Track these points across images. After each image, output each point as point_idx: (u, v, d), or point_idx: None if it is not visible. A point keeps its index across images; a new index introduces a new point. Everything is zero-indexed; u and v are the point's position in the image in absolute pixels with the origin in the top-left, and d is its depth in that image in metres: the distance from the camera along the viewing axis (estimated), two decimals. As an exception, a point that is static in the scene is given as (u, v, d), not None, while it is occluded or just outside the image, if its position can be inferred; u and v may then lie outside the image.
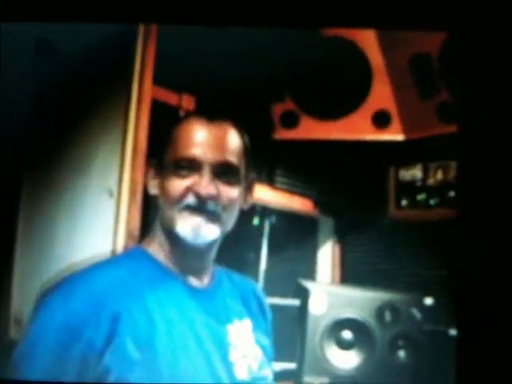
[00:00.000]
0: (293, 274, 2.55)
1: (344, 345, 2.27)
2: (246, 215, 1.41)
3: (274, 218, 2.59)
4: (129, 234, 1.82)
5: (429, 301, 2.29)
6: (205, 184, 1.29)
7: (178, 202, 1.29)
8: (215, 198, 1.29)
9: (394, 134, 2.42)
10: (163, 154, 1.34)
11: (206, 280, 1.40)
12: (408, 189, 2.55)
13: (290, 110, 2.47)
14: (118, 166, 1.86)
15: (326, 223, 2.82)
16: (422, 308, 2.28)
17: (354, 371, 2.24)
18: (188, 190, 1.29)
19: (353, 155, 2.52)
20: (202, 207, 1.29)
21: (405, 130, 2.42)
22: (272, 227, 2.58)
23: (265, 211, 2.55)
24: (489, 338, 1.45)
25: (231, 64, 2.21)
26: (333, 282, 2.77)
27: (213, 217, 1.30)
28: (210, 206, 1.29)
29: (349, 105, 2.42)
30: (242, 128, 1.38)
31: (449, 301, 2.15)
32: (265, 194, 2.45)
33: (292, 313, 2.31)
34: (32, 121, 2.02)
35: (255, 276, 2.47)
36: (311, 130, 2.45)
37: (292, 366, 2.26)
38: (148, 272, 1.33)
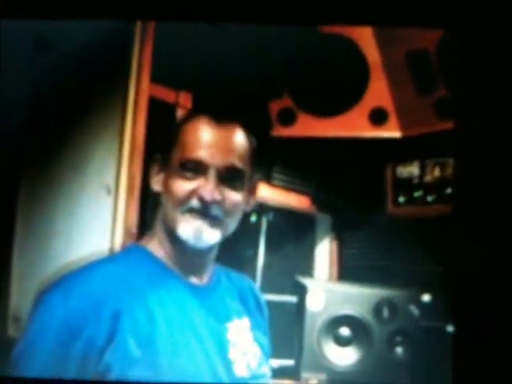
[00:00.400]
0: (290, 270, 2.55)
1: (342, 341, 2.27)
2: (243, 213, 1.39)
3: (271, 215, 2.58)
4: (127, 231, 1.82)
5: (426, 297, 2.30)
6: (210, 188, 1.28)
7: (181, 204, 1.29)
8: (219, 203, 1.29)
9: (391, 131, 2.42)
10: (169, 151, 1.34)
11: (205, 278, 1.40)
12: (405, 186, 2.54)
13: (288, 107, 2.46)
14: (116, 163, 1.86)
15: (324, 220, 2.82)
16: (420, 304, 2.29)
17: (352, 367, 2.25)
18: (192, 193, 1.29)
19: (350, 152, 2.51)
20: (206, 211, 1.28)
21: (402, 127, 2.41)
22: (269, 224, 2.58)
23: (262, 208, 2.55)
24: (486, 334, 1.44)
25: (228, 61, 2.20)
26: (330, 278, 2.77)
27: (215, 221, 1.30)
28: (214, 210, 1.29)
29: (346, 102, 2.41)
30: (249, 130, 1.37)
31: (446, 297, 2.15)
32: (262, 191, 2.42)
33: (290, 309, 2.33)
34: (30, 118, 2.02)
35: (253, 273, 2.47)
36: (308, 127, 2.45)
37: (290, 362, 2.27)
38: (148, 270, 1.33)
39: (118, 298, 1.23)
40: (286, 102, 2.47)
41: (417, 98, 2.35)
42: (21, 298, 1.91)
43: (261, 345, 1.45)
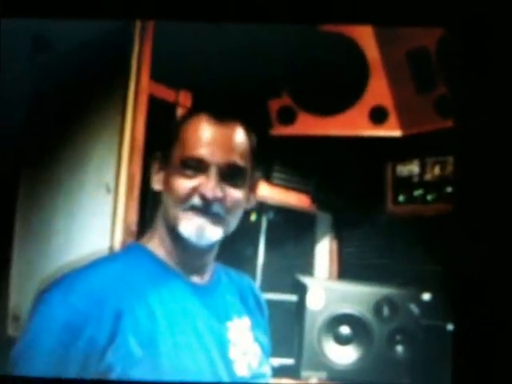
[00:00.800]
0: (290, 269, 2.55)
1: (342, 340, 2.26)
2: (243, 211, 1.39)
3: (271, 214, 2.58)
4: (126, 230, 1.82)
5: (426, 296, 2.30)
6: (211, 186, 1.28)
7: (182, 202, 1.29)
8: (221, 201, 1.29)
9: (391, 130, 2.41)
10: (170, 150, 1.33)
11: (206, 277, 1.40)
12: (405, 184, 2.53)
13: (287, 105, 2.46)
14: (115, 162, 1.86)
15: (324, 219, 2.81)
16: (420, 303, 2.29)
17: (352, 366, 2.25)
18: (194, 190, 1.28)
19: (350, 151, 2.51)
20: (207, 209, 1.28)
21: (402, 126, 2.41)
22: (269, 223, 2.57)
23: (262, 207, 2.54)
24: (486, 333, 1.44)
25: (228, 60, 2.20)
26: (330, 277, 2.76)
27: (217, 219, 1.30)
28: (215, 208, 1.29)
29: (346, 100, 2.41)
30: (249, 127, 1.37)
31: (446, 296, 2.14)
32: (262, 190, 2.41)
33: (290, 308, 2.31)
34: (29, 118, 2.01)
35: (253, 272, 2.47)
36: (308, 125, 2.44)
37: (290, 361, 2.26)
38: (148, 269, 1.32)
39: (118, 298, 1.22)
40: (286, 100, 2.46)
41: (417, 96, 2.35)
42: (20, 297, 1.91)
43: (261, 344, 1.45)
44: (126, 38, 1.89)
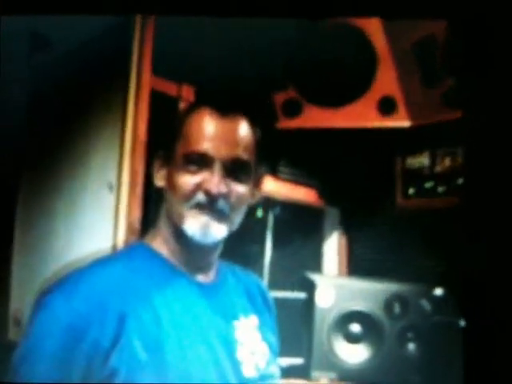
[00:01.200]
0: (298, 266, 2.53)
1: (352, 338, 2.24)
2: (249, 207, 1.36)
3: (278, 210, 2.55)
4: (129, 228, 1.81)
5: (438, 291, 2.26)
6: (215, 182, 1.25)
7: (187, 199, 1.26)
8: (225, 196, 1.26)
9: (399, 121, 2.38)
10: (172, 146, 1.31)
11: (211, 275, 1.37)
12: (415, 177, 2.50)
13: (293, 98, 2.43)
14: (118, 159, 1.85)
15: (332, 214, 2.79)
16: (432, 299, 2.25)
17: (363, 365, 2.22)
18: (198, 186, 1.26)
19: (358, 143, 2.48)
20: (212, 205, 1.25)
21: (411, 117, 2.37)
22: (276, 219, 2.54)
23: (268, 203, 2.51)
24: (498, 330, 1.41)
25: (232, 53, 2.20)
26: (339, 274, 2.75)
27: (222, 215, 1.27)
28: (220, 204, 1.26)
29: (353, 92, 2.38)
30: (253, 121, 1.34)
31: (459, 291, 2.12)
32: (268, 185, 2.40)
33: (298, 306, 2.29)
34: (30, 116, 2.01)
35: (260, 269, 2.44)
36: (315, 118, 2.41)
37: (299, 361, 2.24)
38: (152, 268, 1.30)
39: (122, 299, 1.20)
40: (291, 93, 2.43)
41: (426, 87, 2.32)
42: (22, 300, 1.90)
43: (269, 343, 1.42)
44: (126, 34, 1.88)
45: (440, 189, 2.43)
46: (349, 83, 2.38)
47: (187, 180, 1.26)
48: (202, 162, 1.26)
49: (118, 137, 1.86)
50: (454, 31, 2.11)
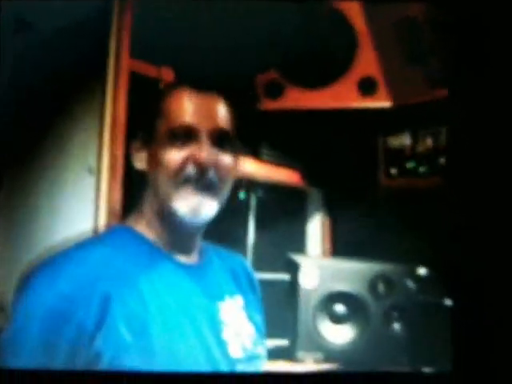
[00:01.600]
0: (282, 248, 2.51)
1: (337, 319, 2.24)
2: (231, 189, 1.36)
3: (260, 192, 2.54)
4: (110, 212, 1.79)
5: (422, 271, 2.27)
6: (205, 151, 1.25)
7: (176, 175, 1.25)
8: (216, 166, 1.26)
9: (381, 101, 2.38)
10: (152, 125, 1.30)
11: (194, 256, 1.37)
12: (397, 157, 2.50)
13: (274, 79, 2.42)
14: (97, 142, 1.83)
15: (315, 195, 2.79)
16: (416, 278, 2.26)
17: (349, 346, 2.22)
18: (187, 159, 1.25)
19: (340, 124, 2.49)
20: (203, 177, 1.25)
21: (392, 97, 2.37)
22: (259, 201, 2.54)
23: (251, 185, 2.50)
24: (485, 307, 1.41)
25: (212, 35, 2.16)
26: (323, 255, 2.75)
27: (212, 190, 1.27)
28: (211, 174, 1.26)
29: (334, 72, 2.38)
30: (227, 98, 1.35)
31: (443, 270, 2.13)
32: (250, 167, 2.41)
33: (282, 288, 2.29)
34: (9, 101, 1.98)
35: (243, 251, 2.43)
36: (296, 99, 2.41)
37: (284, 342, 2.24)
38: (136, 251, 1.29)
39: (106, 281, 1.19)
40: (273, 74, 2.43)
41: (407, 66, 2.32)
42: (5, 286, 1.87)
43: (255, 323, 1.42)
44: (105, 16, 1.86)
45: (421, 169, 2.43)
46: (330, 64, 2.37)
47: (174, 155, 1.26)
48: (187, 135, 1.26)
49: (97, 120, 1.84)
50: (434, 10, 2.11)
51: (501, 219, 1.43)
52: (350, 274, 2.26)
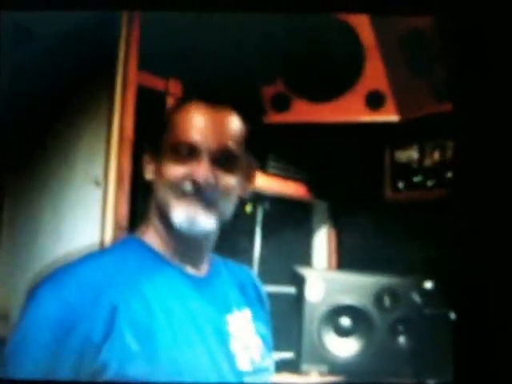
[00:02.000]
0: (288, 260, 2.52)
1: (343, 332, 2.24)
2: (238, 202, 1.36)
3: (267, 204, 2.54)
4: (117, 224, 1.80)
5: (428, 284, 2.26)
6: (202, 171, 1.25)
7: (174, 188, 1.26)
8: (213, 186, 1.26)
9: (388, 115, 2.38)
10: (160, 139, 1.31)
11: (203, 268, 1.36)
12: (404, 170, 2.49)
13: (281, 92, 2.43)
14: (104, 154, 1.84)
15: (321, 208, 2.79)
16: (422, 292, 2.26)
17: (354, 359, 2.22)
18: (185, 176, 1.26)
19: (347, 137, 2.47)
20: (199, 194, 1.25)
21: (399, 110, 2.37)
22: (265, 213, 2.54)
23: (257, 197, 2.50)
24: (489, 322, 1.42)
25: (220, 48, 2.17)
26: (329, 267, 2.74)
27: (209, 205, 1.27)
28: (207, 193, 1.26)
29: (341, 86, 2.38)
30: (242, 114, 1.34)
31: (448, 284, 2.12)
32: (257, 180, 2.39)
33: (288, 301, 2.28)
34: (12, 110, 1.99)
35: (249, 263, 2.43)
36: (303, 112, 2.41)
37: (289, 355, 2.23)
38: (144, 261, 1.29)
39: (113, 292, 1.18)
40: (280, 87, 2.43)
41: (413, 80, 2.32)
42: (8, 295, 1.87)
43: (262, 336, 1.42)
44: (112, 29, 1.87)
45: (429, 182, 2.43)
46: (337, 77, 2.37)
47: (175, 169, 1.26)
48: (189, 152, 1.26)
49: (104, 132, 1.84)
50: (441, 25, 2.11)
51: (508, 233, 1.43)
52: (356, 287, 2.25)
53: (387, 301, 2.24)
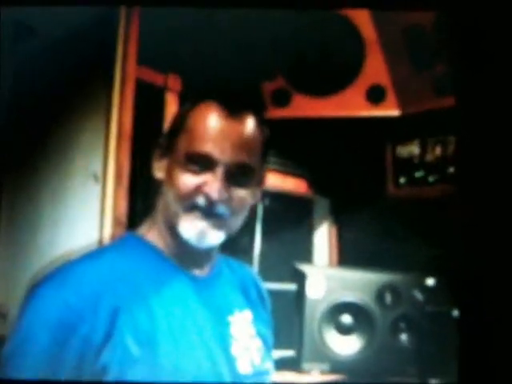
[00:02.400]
0: (288, 257, 2.50)
1: (344, 329, 2.24)
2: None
3: (267, 201, 2.52)
4: (116, 221, 1.79)
5: (430, 281, 2.25)
6: (217, 187, 1.19)
7: (185, 200, 1.21)
8: (226, 202, 1.21)
9: (389, 110, 2.37)
10: (175, 138, 1.25)
11: (205, 269, 1.34)
12: (406, 166, 2.49)
13: (282, 87, 2.42)
14: (103, 150, 1.83)
15: (322, 204, 2.78)
16: (424, 289, 2.25)
17: (355, 356, 2.22)
18: (198, 189, 1.20)
19: (348, 133, 2.47)
20: (211, 210, 1.21)
21: (400, 105, 2.37)
22: (266, 210, 2.52)
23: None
24: (492, 319, 1.40)
25: (220, 43, 2.17)
26: (330, 264, 2.73)
27: (220, 221, 1.23)
28: (220, 209, 1.21)
29: (342, 80, 2.37)
30: (263, 120, 1.29)
31: (451, 281, 2.11)
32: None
33: (289, 298, 2.28)
34: (12, 106, 1.97)
35: (250, 261, 2.42)
36: (304, 107, 2.40)
37: (290, 353, 2.23)
38: (146, 261, 1.26)
39: (115, 293, 1.16)
40: (280, 82, 2.42)
41: (415, 74, 2.32)
42: (7, 293, 1.87)
43: (263, 338, 1.39)
44: (111, 24, 1.87)
45: (431, 178, 2.43)
46: (337, 72, 2.37)
47: (188, 180, 1.21)
48: (204, 163, 1.21)
49: (103, 127, 1.84)
50: (443, 19, 2.10)
51: (511, 228, 1.42)
52: (357, 284, 2.25)
53: (389, 298, 2.24)
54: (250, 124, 1.24)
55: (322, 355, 2.20)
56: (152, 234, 1.30)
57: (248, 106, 1.26)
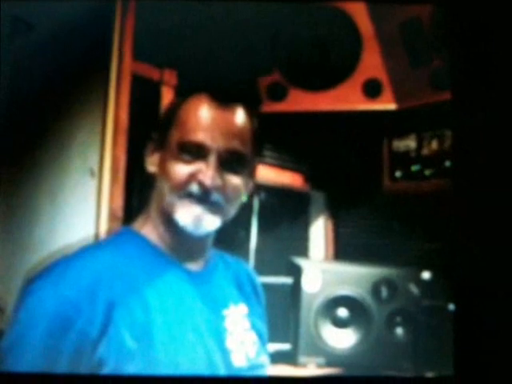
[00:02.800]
0: (285, 251, 2.50)
1: (340, 323, 2.24)
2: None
3: (263, 195, 2.53)
4: (112, 215, 1.79)
5: (426, 275, 2.26)
6: (210, 173, 1.22)
7: (179, 189, 1.24)
8: (220, 189, 1.24)
9: (385, 104, 2.37)
10: (167, 131, 1.28)
11: (201, 263, 1.35)
12: (402, 160, 2.49)
13: (278, 81, 2.41)
14: (99, 145, 1.82)
15: (318, 198, 2.78)
16: (420, 283, 2.25)
17: (351, 350, 2.22)
18: (192, 177, 1.23)
19: (344, 127, 2.47)
20: (206, 197, 1.23)
21: (397, 99, 2.36)
22: (262, 204, 2.52)
23: (254, 188, 2.49)
24: (488, 313, 1.42)
25: (216, 37, 2.16)
26: (326, 258, 2.74)
27: (216, 207, 1.25)
28: (214, 196, 1.23)
29: (338, 74, 2.37)
30: (253, 111, 1.32)
31: (447, 275, 2.11)
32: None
33: (285, 292, 2.27)
34: (8, 101, 1.97)
35: (246, 255, 2.42)
36: (300, 101, 2.40)
37: (286, 346, 2.23)
38: (142, 256, 1.27)
39: (111, 287, 1.17)
40: (276, 76, 2.42)
41: (411, 69, 2.31)
42: (4, 288, 1.86)
43: (258, 332, 1.41)
44: (107, 18, 1.86)
45: (427, 172, 2.42)
46: (334, 66, 2.36)
47: (181, 169, 1.23)
48: (197, 152, 1.24)
49: (99, 122, 1.83)
50: (441, 13, 2.10)
51: (507, 223, 1.42)
52: (353, 277, 2.25)
53: (384, 292, 2.23)
54: (240, 114, 1.27)
55: (318, 349, 2.20)
56: (147, 228, 1.31)
57: (238, 98, 1.29)
